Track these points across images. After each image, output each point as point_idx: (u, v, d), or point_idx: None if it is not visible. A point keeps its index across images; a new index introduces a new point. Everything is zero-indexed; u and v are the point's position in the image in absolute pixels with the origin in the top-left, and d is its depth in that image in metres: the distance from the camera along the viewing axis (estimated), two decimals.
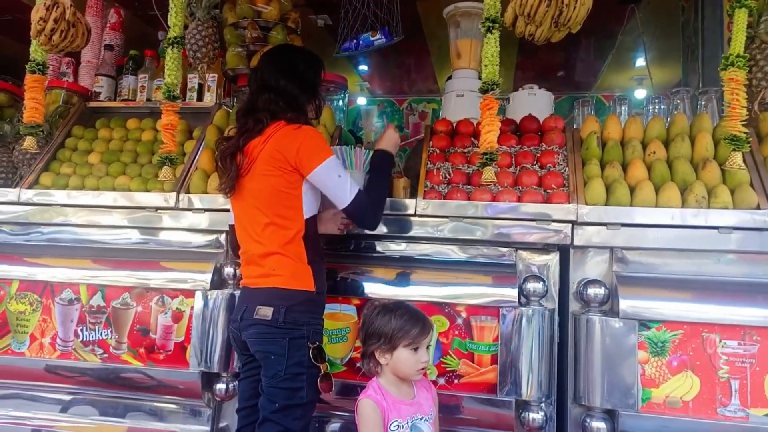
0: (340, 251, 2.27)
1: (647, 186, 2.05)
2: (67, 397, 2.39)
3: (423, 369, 1.65)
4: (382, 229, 2.21)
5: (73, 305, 2.36)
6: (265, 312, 1.76)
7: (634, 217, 2.03)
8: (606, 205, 2.07)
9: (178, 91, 2.33)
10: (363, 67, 5.41)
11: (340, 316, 2.17)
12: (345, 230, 2.12)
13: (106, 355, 2.30)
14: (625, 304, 1.94)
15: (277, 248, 1.81)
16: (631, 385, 1.91)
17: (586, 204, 2.07)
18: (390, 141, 2.13)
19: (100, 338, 2.32)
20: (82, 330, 2.34)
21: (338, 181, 1.85)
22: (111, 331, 2.32)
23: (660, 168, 2.10)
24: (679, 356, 1.90)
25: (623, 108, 2.65)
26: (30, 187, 2.59)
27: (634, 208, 2.04)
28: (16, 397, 2.40)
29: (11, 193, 2.55)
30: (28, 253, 2.47)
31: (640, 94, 4.87)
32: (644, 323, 1.93)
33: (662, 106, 2.50)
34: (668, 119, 2.39)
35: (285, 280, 1.80)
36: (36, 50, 2.37)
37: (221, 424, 2.32)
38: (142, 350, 2.28)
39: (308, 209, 1.88)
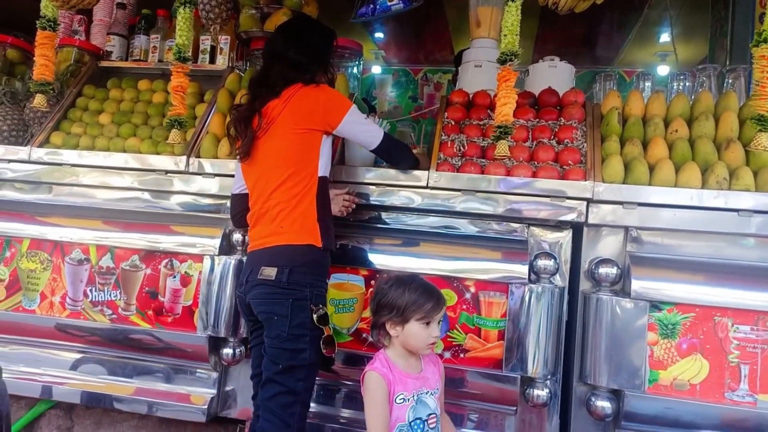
0: (349, 222, 2.25)
1: (667, 165, 1.99)
2: (77, 356, 2.42)
3: (433, 344, 1.64)
4: (392, 200, 2.19)
5: (83, 265, 2.37)
6: (269, 272, 1.78)
7: (652, 197, 1.98)
8: (624, 183, 2.02)
9: (189, 53, 2.28)
10: (379, 35, 5.29)
11: (347, 286, 2.16)
12: (346, 212, 2.12)
13: (114, 316, 2.32)
14: (637, 285, 1.91)
15: (288, 205, 1.83)
16: (638, 366, 1.89)
17: (603, 182, 2.02)
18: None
19: (109, 299, 2.34)
20: (91, 290, 2.35)
21: (366, 125, 1.99)
22: (120, 293, 2.33)
23: (681, 147, 2.04)
24: (690, 339, 1.88)
25: (646, 84, 2.57)
26: (40, 146, 2.58)
27: (652, 188, 1.99)
28: (27, 354, 2.44)
29: (22, 151, 2.54)
30: (39, 211, 2.47)
31: (663, 70, 4.73)
32: (656, 305, 1.90)
33: (687, 83, 2.42)
34: (692, 97, 2.32)
35: (291, 236, 1.82)
36: (47, 6, 2.32)
37: (227, 388, 2.34)
38: (150, 312, 2.29)
39: (323, 168, 1.92)
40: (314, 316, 1.76)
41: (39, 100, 2.35)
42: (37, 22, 2.35)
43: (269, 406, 1.76)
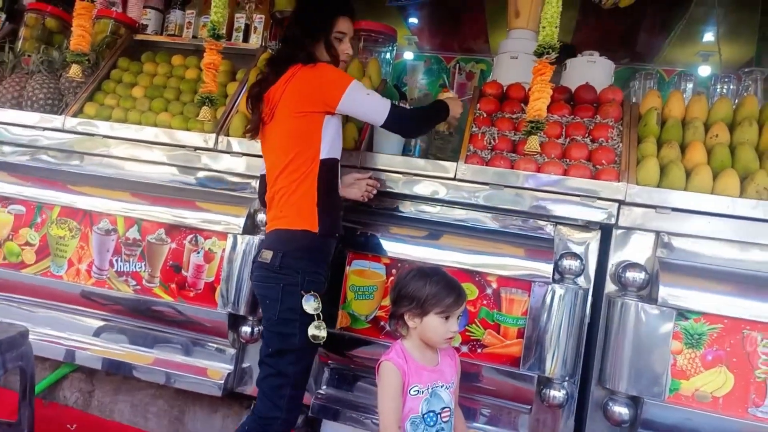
0: (373, 209, 2.24)
1: (705, 171, 1.93)
2: (100, 323, 2.47)
3: (451, 338, 1.62)
4: (418, 190, 2.16)
5: (110, 236, 2.40)
6: (266, 256, 1.80)
7: (687, 203, 1.92)
8: (658, 186, 1.96)
9: (223, 30, 2.28)
10: (413, 20, 5.21)
11: (368, 273, 2.16)
12: (367, 197, 2.10)
13: (138, 287, 2.36)
14: (664, 292, 1.86)
15: (288, 190, 1.83)
16: (660, 373, 1.85)
17: (637, 184, 1.97)
18: (456, 107, 2.11)
19: (134, 270, 2.37)
20: (117, 260, 2.39)
21: (368, 99, 1.87)
22: (144, 265, 2.36)
23: (721, 153, 1.97)
24: (715, 351, 1.83)
25: (688, 85, 2.49)
26: (74, 115, 2.62)
27: (687, 193, 1.93)
28: (53, 317, 2.49)
29: (56, 120, 2.58)
30: (70, 180, 2.51)
31: (705, 71, 4.57)
32: (682, 313, 1.86)
33: (731, 86, 2.33)
34: (736, 101, 2.24)
35: (289, 220, 1.81)
36: None
37: (244, 365, 2.37)
38: (173, 286, 2.32)
39: (326, 150, 1.86)
40: (302, 302, 1.74)
41: (74, 71, 2.37)
42: None
43: (261, 386, 1.81)
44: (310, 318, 1.75)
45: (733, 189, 1.90)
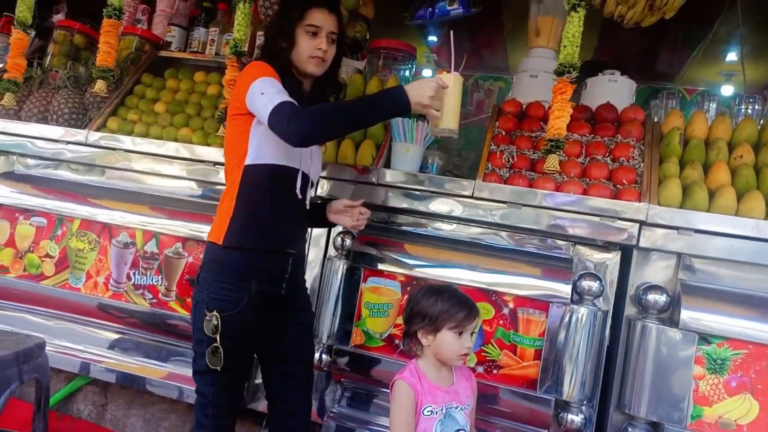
0: (389, 225, 2.23)
1: (729, 192, 1.89)
2: (115, 336, 2.48)
3: (465, 355, 1.60)
4: (435, 207, 2.15)
5: (128, 249, 2.43)
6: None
7: (710, 224, 1.88)
8: (681, 207, 1.92)
9: (245, 48, 2.31)
10: (432, 38, 5.25)
11: (383, 291, 2.14)
12: (358, 228, 1.96)
13: (155, 301, 2.37)
14: (686, 315, 1.81)
15: (221, 199, 1.76)
16: (681, 399, 1.80)
17: (659, 204, 1.93)
18: (417, 90, 1.58)
19: (151, 284, 2.39)
20: (134, 274, 2.41)
21: (260, 98, 1.59)
22: (161, 278, 2.38)
23: (746, 174, 1.93)
24: (740, 377, 1.77)
25: (711, 105, 2.45)
26: (98, 129, 2.66)
27: (710, 214, 1.89)
28: (69, 329, 2.51)
29: (80, 134, 2.63)
30: (91, 193, 2.55)
31: (728, 90, 4.50)
32: (705, 337, 1.81)
33: (757, 107, 2.29)
34: (761, 122, 2.19)
35: (210, 233, 1.74)
36: None
37: (256, 381, 2.35)
38: (189, 300, 2.33)
39: (252, 155, 1.68)
40: (204, 321, 1.62)
41: (100, 86, 2.43)
42: (104, 10, 2.42)
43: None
44: (213, 340, 1.62)
45: (758, 211, 1.85)
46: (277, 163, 1.70)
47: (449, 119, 1.65)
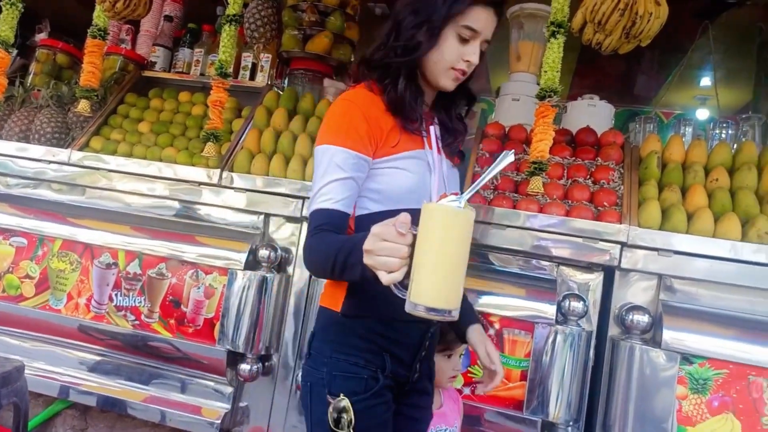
0: None
1: (706, 214, 1.94)
2: (96, 358, 2.43)
3: (454, 377, 1.61)
4: None
5: (111, 269, 2.39)
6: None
7: (689, 246, 1.93)
8: (660, 229, 1.97)
9: (230, 69, 2.33)
10: None
11: None
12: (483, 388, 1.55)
13: (137, 322, 2.33)
14: (668, 335, 1.85)
15: None
16: (664, 419, 1.82)
17: (639, 226, 1.97)
18: (371, 243, 0.97)
19: (134, 305, 2.35)
20: (116, 295, 2.37)
21: (315, 176, 1.23)
22: (144, 299, 2.35)
23: (722, 197, 1.99)
24: (721, 397, 1.81)
25: (687, 129, 2.53)
26: (80, 149, 2.64)
27: (689, 236, 1.94)
28: (49, 352, 2.46)
29: (62, 153, 2.60)
30: (73, 213, 2.51)
31: (702, 114, 4.66)
32: (687, 357, 1.84)
33: (730, 131, 2.37)
34: (734, 146, 2.27)
35: (321, 296, 1.34)
36: (99, 16, 2.41)
37: (242, 404, 2.33)
38: (172, 321, 2.30)
39: (360, 205, 1.28)
40: (329, 413, 1.18)
41: (83, 106, 2.42)
42: (89, 30, 2.43)
43: None
44: None
45: (734, 233, 1.90)
46: (372, 212, 1.27)
47: (428, 287, 0.93)
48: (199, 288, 2.30)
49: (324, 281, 1.38)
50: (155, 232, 2.41)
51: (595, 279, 2.06)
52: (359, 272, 1.02)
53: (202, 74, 3.06)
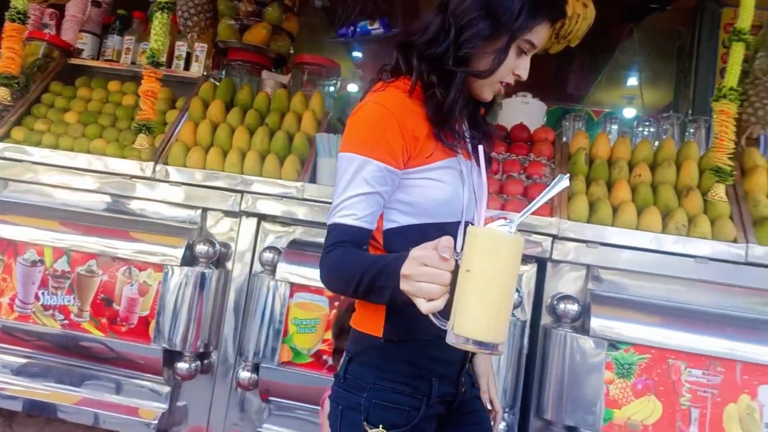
0: (315, 240, 2.23)
1: (630, 208, 2.05)
2: (22, 361, 2.31)
3: None
4: None
5: (36, 267, 2.27)
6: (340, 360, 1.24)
7: (614, 238, 2.04)
8: (588, 222, 2.07)
9: (163, 58, 2.25)
10: (357, 54, 5.32)
11: (311, 306, 2.13)
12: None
13: (66, 322, 2.23)
14: (596, 323, 1.95)
15: None
16: (594, 403, 1.92)
17: (569, 219, 2.07)
18: (410, 268, 0.90)
19: (62, 304, 2.25)
20: (43, 293, 2.26)
21: (339, 185, 1.13)
22: (74, 298, 2.24)
23: (644, 191, 2.11)
24: (644, 380, 1.92)
25: (613, 127, 2.66)
26: (1, 140, 2.48)
27: (614, 229, 2.05)
28: None
29: None
30: None
31: (629, 113, 4.91)
32: (613, 344, 1.94)
33: (651, 129, 2.51)
34: (656, 143, 2.41)
35: (355, 318, 1.23)
36: None
37: (179, 403, 2.27)
38: (104, 320, 2.21)
39: (388, 218, 1.17)
40: None
41: (2, 94, 2.28)
42: (6, 13, 2.28)
43: None
44: None
45: (656, 225, 2.03)
46: (405, 225, 1.17)
47: (474, 318, 0.86)
48: (132, 285, 2.22)
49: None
50: (85, 227, 2.30)
51: (529, 270, 2.14)
52: (388, 296, 0.96)
53: (133, 63, 2.94)
